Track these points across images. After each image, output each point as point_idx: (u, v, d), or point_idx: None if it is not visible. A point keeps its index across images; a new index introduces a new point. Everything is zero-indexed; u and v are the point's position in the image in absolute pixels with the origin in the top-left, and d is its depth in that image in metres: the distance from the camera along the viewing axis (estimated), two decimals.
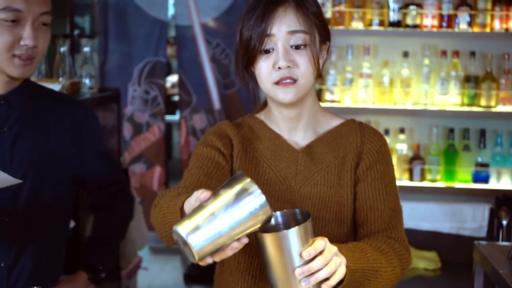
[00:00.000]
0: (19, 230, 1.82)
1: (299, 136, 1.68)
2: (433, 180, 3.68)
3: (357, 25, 3.71)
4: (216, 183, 1.56)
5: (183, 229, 1.25)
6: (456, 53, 3.66)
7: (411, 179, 3.69)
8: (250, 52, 1.58)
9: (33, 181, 1.83)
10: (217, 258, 1.29)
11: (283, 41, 1.56)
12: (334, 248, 1.38)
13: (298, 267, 1.33)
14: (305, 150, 1.67)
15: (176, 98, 4.91)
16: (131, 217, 2.14)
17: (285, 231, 1.33)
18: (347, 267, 1.41)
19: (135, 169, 4.43)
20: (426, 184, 3.68)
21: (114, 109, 3.33)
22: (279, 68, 1.56)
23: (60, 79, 2.87)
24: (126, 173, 3.44)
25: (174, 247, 1.78)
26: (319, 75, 1.63)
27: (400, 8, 3.67)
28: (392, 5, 3.66)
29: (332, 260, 1.36)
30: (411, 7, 3.67)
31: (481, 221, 3.49)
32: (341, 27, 3.68)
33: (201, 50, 4.34)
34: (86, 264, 1.96)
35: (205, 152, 1.65)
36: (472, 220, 3.48)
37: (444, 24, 3.67)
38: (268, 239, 1.32)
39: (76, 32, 4.72)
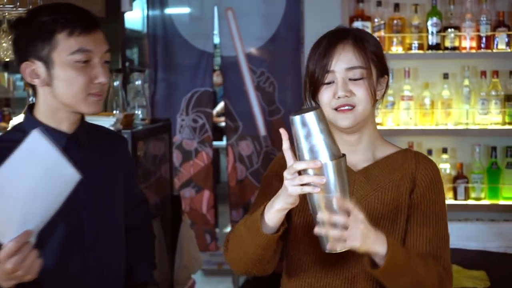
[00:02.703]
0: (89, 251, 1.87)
1: (357, 160, 1.75)
2: (478, 198, 3.67)
3: (397, 49, 3.73)
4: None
5: None
6: (496, 73, 3.66)
7: (455, 198, 3.68)
8: (314, 83, 1.70)
9: (98, 210, 1.88)
10: None
11: (342, 75, 1.67)
12: (361, 218, 1.49)
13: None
14: (362, 171, 1.74)
15: (223, 124, 4.95)
16: (155, 236, 2.24)
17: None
18: (388, 258, 1.50)
19: (185, 194, 4.47)
20: (470, 202, 3.66)
21: (165, 138, 3.37)
22: (339, 97, 1.67)
23: (115, 111, 2.95)
24: (178, 199, 3.47)
25: (225, 268, 1.82)
26: (375, 103, 1.72)
27: (438, 32, 3.68)
28: (431, 28, 3.68)
29: (355, 227, 1.47)
30: (449, 30, 3.68)
31: None
32: None
33: (246, 79, 4.37)
34: (138, 284, 2.01)
35: (271, 181, 1.76)
36: None
37: (483, 45, 3.67)
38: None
39: (127, 64, 4.81)
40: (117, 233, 1.95)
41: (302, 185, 1.47)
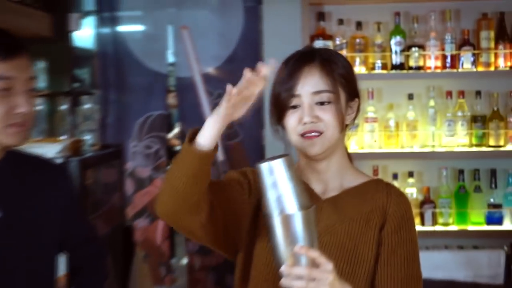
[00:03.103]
0: None
1: (325, 188, 1.77)
2: (445, 224, 3.70)
3: (360, 69, 3.78)
4: (232, 195, 1.69)
5: None
6: (462, 93, 3.72)
7: (422, 223, 3.70)
8: (279, 107, 1.72)
9: (24, 249, 1.83)
10: None
11: (308, 99, 1.69)
12: (329, 269, 1.50)
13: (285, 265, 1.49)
14: (330, 200, 1.75)
15: (179, 147, 4.91)
16: (108, 275, 2.18)
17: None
18: None
19: (139, 224, 4.42)
20: (438, 228, 3.69)
21: (116, 165, 3.37)
22: (305, 123, 1.68)
23: (62, 137, 2.93)
24: (130, 230, 3.45)
25: None
26: (344, 129, 1.74)
27: (402, 51, 3.73)
28: (394, 47, 3.74)
29: (322, 279, 1.48)
30: (413, 49, 3.74)
31: (497, 267, 3.48)
32: None
33: (202, 101, 4.37)
34: None
35: (235, 175, 1.76)
36: (488, 267, 3.47)
37: (448, 64, 3.73)
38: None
39: (76, 85, 4.76)
40: (40, 279, 1.88)
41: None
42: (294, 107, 1.70)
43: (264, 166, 1.49)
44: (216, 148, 1.58)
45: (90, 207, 3.04)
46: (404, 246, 1.71)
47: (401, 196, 1.76)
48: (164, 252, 4.47)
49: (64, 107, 3.00)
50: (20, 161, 1.88)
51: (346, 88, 1.73)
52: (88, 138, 3.13)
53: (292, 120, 1.70)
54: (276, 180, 1.48)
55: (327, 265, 1.50)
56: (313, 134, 1.68)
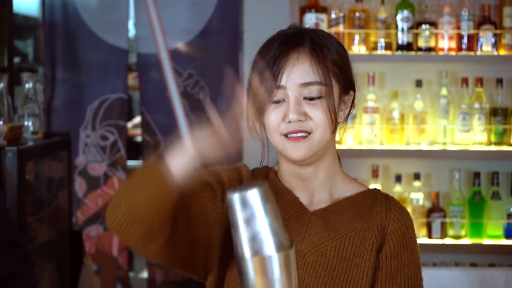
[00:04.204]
0: None
1: (311, 198, 1.76)
2: (457, 237, 3.71)
3: (359, 49, 3.77)
4: (203, 205, 1.65)
5: None
6: (480, 81, 3.71)
7: (429, 235, 3.71)
8: (260, 101, 1.66)
9: None
10: None
11: (295, 93, 1.66)
12: None
13: None
14: (318, 213, 1.74)
15: (139, 139, 4.89)
16: (36, 286, 2.16)
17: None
18: None
19: (91, 232, 4.39)
20: (448, 241, 3.70)
21: (64, 158, 3.34)
22: (290, 121, 1.66)
23: None
24: (78, 235, 3.43)
25: None
26: (335, 128, 1.71)
27: (410, 28, 3.72)
28: (401, 24, 3.73)
29: None
30: (424, 26, 3.73)
31: None
32: None
33: (169, 82, 4.33)
34: None
35: (207, 178, 1.71)
36: None
37: (464, 46, 3.73)
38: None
39: (17, 60, 4.70)
40: None
41: None
42: (278, 101, 1.67)
43: (236, 198, 1.45)
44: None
45: (30, 206, 3.00)
46: (405, 271, 1.71)
47: (402, 211, 1.75)
48: (121, 266, 4.45)
49: (0, 86, 2.95)
50: None
51: (340, 78, 1.71)
52: (29, 124, 3.09)
53: (274, 117, 1.68)
54: (252, 215, 1.45)
55: None
56: (300, 135, 1.66)
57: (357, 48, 3.77)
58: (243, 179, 1.75)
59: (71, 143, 3.40)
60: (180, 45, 4.34)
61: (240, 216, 1.45)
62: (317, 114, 1.66)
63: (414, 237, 1.75)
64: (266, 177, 1.78)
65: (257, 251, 1.45)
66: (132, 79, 5.52)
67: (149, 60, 4.39)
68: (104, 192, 4.42)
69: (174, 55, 4.34)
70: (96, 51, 4.39)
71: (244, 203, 1.45)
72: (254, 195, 1.45)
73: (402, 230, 1.72)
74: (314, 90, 1.66)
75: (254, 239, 1.45)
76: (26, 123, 3.08)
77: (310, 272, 1.67)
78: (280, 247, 1.45)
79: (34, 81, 3.16)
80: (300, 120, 1.65)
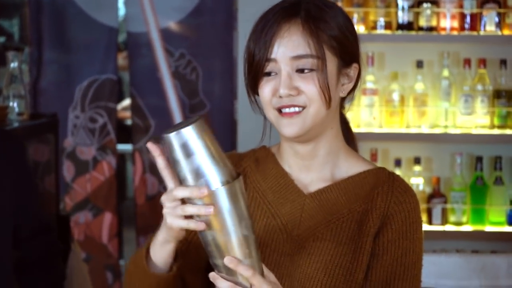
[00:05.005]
0: None
1: (311, 179, 1.73)
2: (458, 223, 3.71)
3: (358, 28, 3.71)
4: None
5: None
6: (483, 62, 3.71)
7: (430, 222, 3.72)
8: (254, 71, 1.67)
9: None
10: None
11: (287, 66, 1.64)
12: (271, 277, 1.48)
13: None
14: (314, 195, 1.71)
15: (130, 122, 4.88)
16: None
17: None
18: None
19: (79, 218, 4.41)
20: (449, 228, 3.71)
21: (51, 140, 3.31)
22: (280, 96, 1.64)
23: None
24: (66, 220, 3.41)
25: None
26: (330, 104, 1.66)
27: (411, 7, 3.71)
28: (401, 2, 3.71)
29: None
30: (425, 5, 3.72)
31: None
32: None
33: (160, 63, 4.34)
34: None
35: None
36: (507, 275, 3.46)
37: (467, 25, 3.72)
38: None
39: (2, 39, 4.68)
40: None
41: (186, 216, 1.45)
42: (269, 74, 1.66)
43: (171, 137, 1.45)
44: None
45: None
46: (402, 259, 1.66)
47: (406, 192, 1.70)
48: (111, 253, 4.48)
49: None
50: None
51: (338, 51, 1.67)
52: (14, 105, 3.08)
53: (266, 90, 1.66)
54: (190, 151, 1.45)
55: (270, 276, 1.50)
56: (293, 110, 1.64)
57: (355, 27, 3.70)
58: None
59: (58, 125, 3.39)
60: (172, 24, 4.35)
61: (179, 154, 1.45)
62: (309, 88, 1.63)
63: (416, 222, 1.69)
64: (259, 161, 1.78)
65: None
66: (121, 59, 5.53)
67: (139, 39, 4.40)
68: (93, 177, 4.44)
69: (165, 34, 4.37)
70: (84, 29, 4.42)
71: (182, 141, 1.45)
72: (189, 132, 1.44)
73: (404, 214, 1.67)
74: (306, 63, 1.64)
75: (197, 174, 1.45)
76: (11, 104, 3.07)
77: (304, 258, 1.65)
78: (224, 179, 1.45)
79: (19, 60, 3.16)
80: (291, 94, 1.63)
